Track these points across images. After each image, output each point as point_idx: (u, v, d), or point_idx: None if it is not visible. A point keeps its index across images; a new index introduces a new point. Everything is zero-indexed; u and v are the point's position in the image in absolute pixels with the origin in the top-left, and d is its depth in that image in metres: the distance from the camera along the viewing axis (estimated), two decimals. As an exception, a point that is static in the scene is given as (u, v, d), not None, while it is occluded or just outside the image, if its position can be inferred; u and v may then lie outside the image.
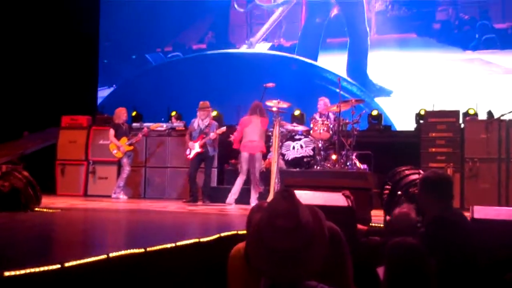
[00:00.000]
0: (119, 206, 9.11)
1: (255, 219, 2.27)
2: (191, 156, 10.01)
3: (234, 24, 14.42)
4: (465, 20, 12.81)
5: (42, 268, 2.71)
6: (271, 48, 13.82)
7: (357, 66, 13.08)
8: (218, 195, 9.97)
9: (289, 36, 13.76)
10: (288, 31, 13.79)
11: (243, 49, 13.99)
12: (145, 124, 11.32)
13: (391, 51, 12.94)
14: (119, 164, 10.96)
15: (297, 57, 13.43)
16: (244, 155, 9.51)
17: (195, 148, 9.93)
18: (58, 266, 2.80)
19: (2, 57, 12.57)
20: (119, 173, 10.94)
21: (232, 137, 9.99)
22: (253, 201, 9.22)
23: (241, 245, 3.05)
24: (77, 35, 13.37)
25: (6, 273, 2.52)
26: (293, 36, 13.70)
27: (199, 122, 10.11)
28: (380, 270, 3.38)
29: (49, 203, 7.91)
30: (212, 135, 9.89)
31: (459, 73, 12.26)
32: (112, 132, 10.59)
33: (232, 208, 9.01)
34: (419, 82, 12.38)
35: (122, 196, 10.47)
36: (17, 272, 2.57)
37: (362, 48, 13.12)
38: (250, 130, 9.52)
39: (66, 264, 2.84)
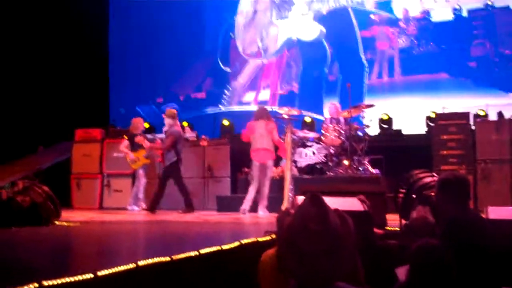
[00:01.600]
0: (135, 218, 9.21)
1: (286, 223, 2.37)
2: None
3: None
4: (506, 55, 10.96)
5: (76, 278, 2.82)
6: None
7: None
8: (231, 204, 10.02)
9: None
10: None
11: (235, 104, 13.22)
12: (158, 136, 11.40)
13: (418, 95, 11.49)
14: (133, 176, 11.03)
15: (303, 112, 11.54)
16: (255, 164, 9.42)
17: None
18: (91, 275, 2.91)
19: (16, 73, 12.75)
20: (133, 185, 11.00)
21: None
22: (262, 210, 9.24)
23: (271, 251, 3.17)
24: (88, 51, 13.60)
25: (44, 283, 2.63)
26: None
27: None
28: (400, 271, 3.46)
29: (67, 216, 8.00)
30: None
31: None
32: (126, 142, 10.58)
33: (246, 217, 9.00)
34: (428, 86, 11.74)
35: (134, 208, 10.47)
36: (54, 282, 2.68)
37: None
38: (258, 137, 9.37)
39: (99, 273, 2.95)
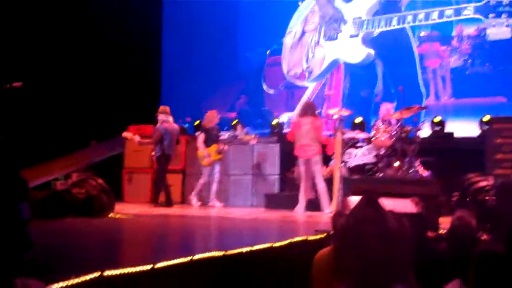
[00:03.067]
0: (187, 212, 9.31)
1: (339, 224, 2.38)
2: None
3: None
4: None
5: (137, 269, 2.91)
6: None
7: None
8: (279, 202, 10.07)
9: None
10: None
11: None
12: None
13: (473, 120, 10.66)
14: (183, 172, 11.16)
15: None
16: (301, 160, 9.35)
17: None
18: (150, 266, 3.00)
19: (72, 68, 13.10)
20: (184, 181, 11.11)
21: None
22: (326, 207, 9.01)
23: (325, 250, 3.15)
24: (143, 49, 13.91)
25: (106, 273, 2.72)
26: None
27: None
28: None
29: (119, 209, 8.14)
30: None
31: None
32: (201, 137, 10.32)
33: (296, 215, 8.90)
34: (483, 110, 10.85)
35: (218, 204, 10.45)
36: (116, 272, 2.77)
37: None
38: (302, 134, 9.24)
39: (156, 266, 3.04)
